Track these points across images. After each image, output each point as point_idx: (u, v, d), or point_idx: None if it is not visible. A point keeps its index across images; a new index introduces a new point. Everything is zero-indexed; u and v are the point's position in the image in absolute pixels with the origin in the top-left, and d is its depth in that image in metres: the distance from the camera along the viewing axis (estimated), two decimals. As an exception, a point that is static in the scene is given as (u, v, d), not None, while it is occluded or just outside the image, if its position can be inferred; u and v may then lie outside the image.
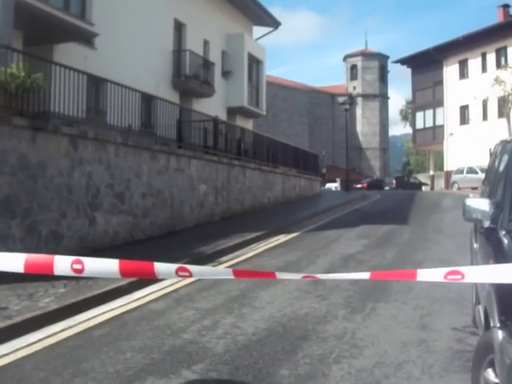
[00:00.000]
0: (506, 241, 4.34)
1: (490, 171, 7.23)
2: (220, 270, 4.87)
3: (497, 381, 3.58)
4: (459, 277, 3.51)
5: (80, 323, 7.57)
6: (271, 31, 35.05)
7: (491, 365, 3.66)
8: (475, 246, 6.35)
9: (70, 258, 4.34)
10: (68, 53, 17.13)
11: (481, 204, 5.05)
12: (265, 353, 6.21)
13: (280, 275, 4.61)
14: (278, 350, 6.32)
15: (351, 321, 7.50)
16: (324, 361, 5.94)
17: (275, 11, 34.10)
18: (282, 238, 15.42)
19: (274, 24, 34.47)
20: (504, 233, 4.48)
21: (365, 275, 4.12)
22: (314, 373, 5.63)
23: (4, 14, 12.63)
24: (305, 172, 30.63)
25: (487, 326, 4.10)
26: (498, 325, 3.57)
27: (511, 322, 3.46)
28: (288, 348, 6.38)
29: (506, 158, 5.52)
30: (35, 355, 6.32)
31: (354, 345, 6.45)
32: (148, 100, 17.09)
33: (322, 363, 5.87)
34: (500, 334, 3.49)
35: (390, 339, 6.63)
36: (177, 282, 9.87)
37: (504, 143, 6.26)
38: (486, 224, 4.97)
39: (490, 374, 3.66)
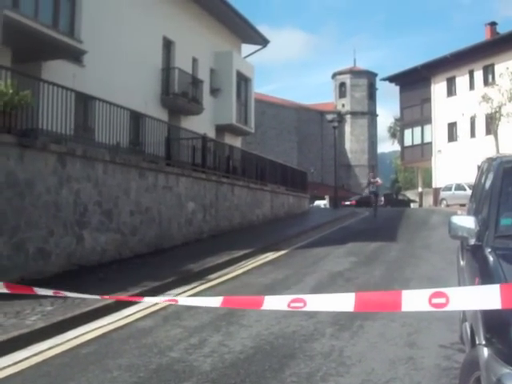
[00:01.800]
0: (491, 258, 4.34)
1: (476, 188, 7.23)
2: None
3: (483, 398, 3.57)
4: (444, 300, 3.40)
5: (67, 341, 7.53)
6: (260, 49, 35.19)
7: (477, 382, 3.65)
8: (462, 263, 6.36)
9: None
10: (56, 70, 17.11)
11: (466, 221, 5.06)
12: (252, 371, 6.19)
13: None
14: (265, 368, 6.29)
15: (339, 339, 7.49)
16: (311, 379, 5.92)
17: (262, 29, 34.17)
18: (271, 256, 15.40)
19: (263, 42, 34.61)
20: (489, 250, 4.48)
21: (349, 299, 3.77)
22: (301, 391, 5.61)
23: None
24: (293, 189, 30.67)
25: (473, 344, 4.10)
26: (484, 342, 3.57)
27: (496, 339, 3.46)
28: (275, 366, 6.36)
29: (491, 175, 5.53)
30: (21, 374, 6.28)
31: (342, 363, 6.43)
32: (136, 117, 17.09)
33: (309, 381, 5.85)
34: (485, 352, 3.48)
35: (378, 357, 6.63)
36: (165, 300, 9.83)
37: (490, 160, 6.26)
38: (472, 241, 4.99)
39: (476, 391, 3.65)
